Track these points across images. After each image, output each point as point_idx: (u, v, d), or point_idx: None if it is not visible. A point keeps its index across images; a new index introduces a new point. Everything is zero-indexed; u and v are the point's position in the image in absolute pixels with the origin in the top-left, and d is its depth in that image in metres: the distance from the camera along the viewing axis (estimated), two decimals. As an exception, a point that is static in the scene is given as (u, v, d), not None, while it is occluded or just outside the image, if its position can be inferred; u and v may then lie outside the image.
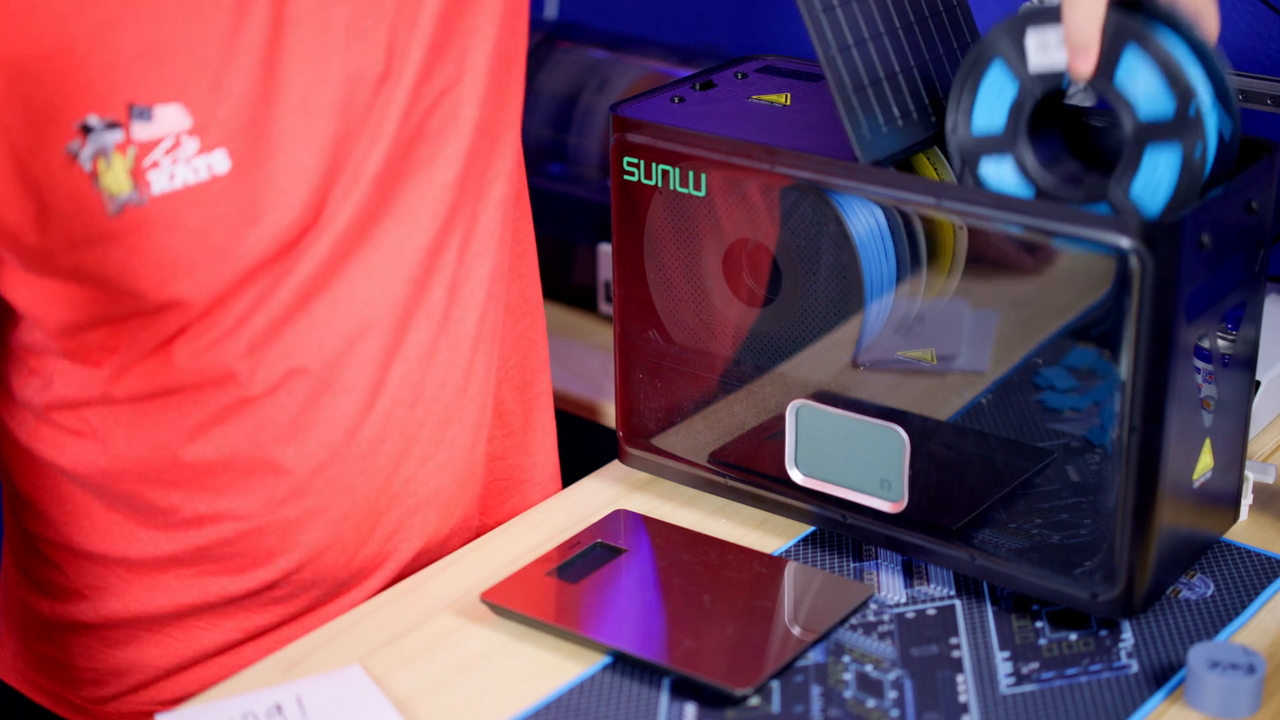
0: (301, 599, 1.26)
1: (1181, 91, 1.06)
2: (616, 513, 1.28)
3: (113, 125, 1.07)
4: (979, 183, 1.14)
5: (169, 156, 1.08)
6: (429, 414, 1.25)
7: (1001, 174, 1.13)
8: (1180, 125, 1.07)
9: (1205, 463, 1.15)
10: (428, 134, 1.19)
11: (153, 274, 1.11)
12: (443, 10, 1.18)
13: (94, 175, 1.08)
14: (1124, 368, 1.07)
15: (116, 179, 1.08)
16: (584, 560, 1.21)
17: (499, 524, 1.34)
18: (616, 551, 1.22)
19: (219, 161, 1.10)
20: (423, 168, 1.19)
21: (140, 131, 1.08)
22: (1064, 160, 1.14)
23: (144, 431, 1.21)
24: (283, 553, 1.23)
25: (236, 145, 1.10)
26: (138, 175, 1.08)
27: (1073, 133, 1.17)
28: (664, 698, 1.09)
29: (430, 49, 1.17)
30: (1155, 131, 1.08)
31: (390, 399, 1.22)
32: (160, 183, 1.09)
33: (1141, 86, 1.07)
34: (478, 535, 1.34)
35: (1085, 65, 1.08)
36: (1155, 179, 1.08)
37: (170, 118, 1.08)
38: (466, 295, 1.25)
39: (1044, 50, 1.09)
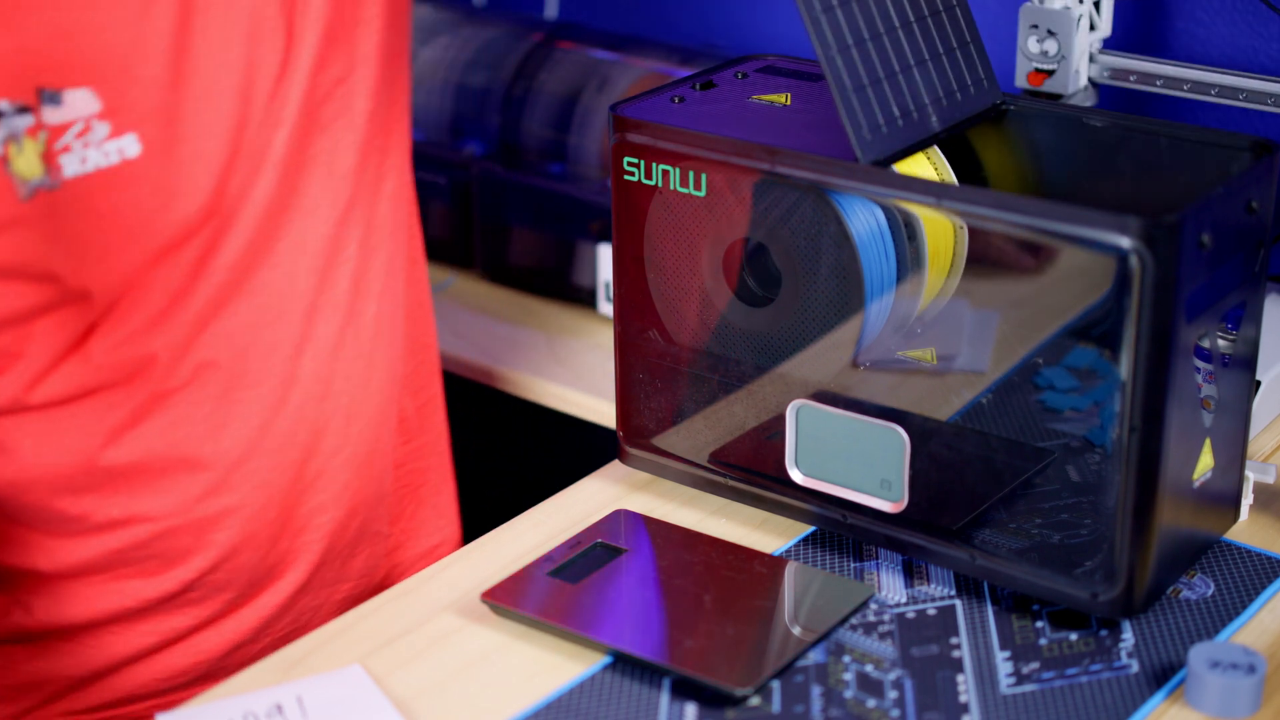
0: (215, 601, 1.25)
1: None
2: (616, 513, 1.28)
3: (23, 110, 1.07)
4: None
5: (80, 140, 1.09)
6: (336, 407, 1.26)
7: None
8: None
9: (1205, 463, 1.15)
10: (324, 124, 1.20)
11: (65, 259, 1.11)
12: (333, 0, 1.20)
13: (4, 160, 1.08)
14: (1124, 368, 1.07)
15: (28, 163, 1.08)
16: (584, 560, 1.21)
17: (408, 535, 1.35)
18: (617, 551, 1.22)
19: (129, 145, 1.10)
20: (322, 158, 1.21)
21: (50, 115, 1.08)
22: None
23: (57, 438, 1.19)
24: (198, 552, 1.23)
25: (147, 130, 1.11)
26: (49, 159, 1.08)
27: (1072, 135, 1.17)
28: (664, 698, 1.09)
29: (323, 39, 1.19)
30: None
31: (301, 392, 1.23)
32: (72, 166, 1.09)
33: None
34: (391, 553, 1.34)
35: None
36: None
37: (80, 101, 1.08)
38: (366, 288, 1.26)
39: None
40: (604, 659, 1.13)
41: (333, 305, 1.24)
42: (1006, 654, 1.12)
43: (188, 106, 1.13)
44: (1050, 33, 1.52)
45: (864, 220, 1.15)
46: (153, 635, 1.25)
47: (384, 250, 1.28)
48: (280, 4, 1.17)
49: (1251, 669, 1.06)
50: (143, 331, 1.16)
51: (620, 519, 1.27)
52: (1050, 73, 1.53)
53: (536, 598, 1.17)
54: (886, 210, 1.15)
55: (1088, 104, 1.55)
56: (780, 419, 1.23)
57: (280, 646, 1.21)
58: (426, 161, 1.89)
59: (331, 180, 1.22)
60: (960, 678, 1.10)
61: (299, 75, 1.18)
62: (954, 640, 1.14)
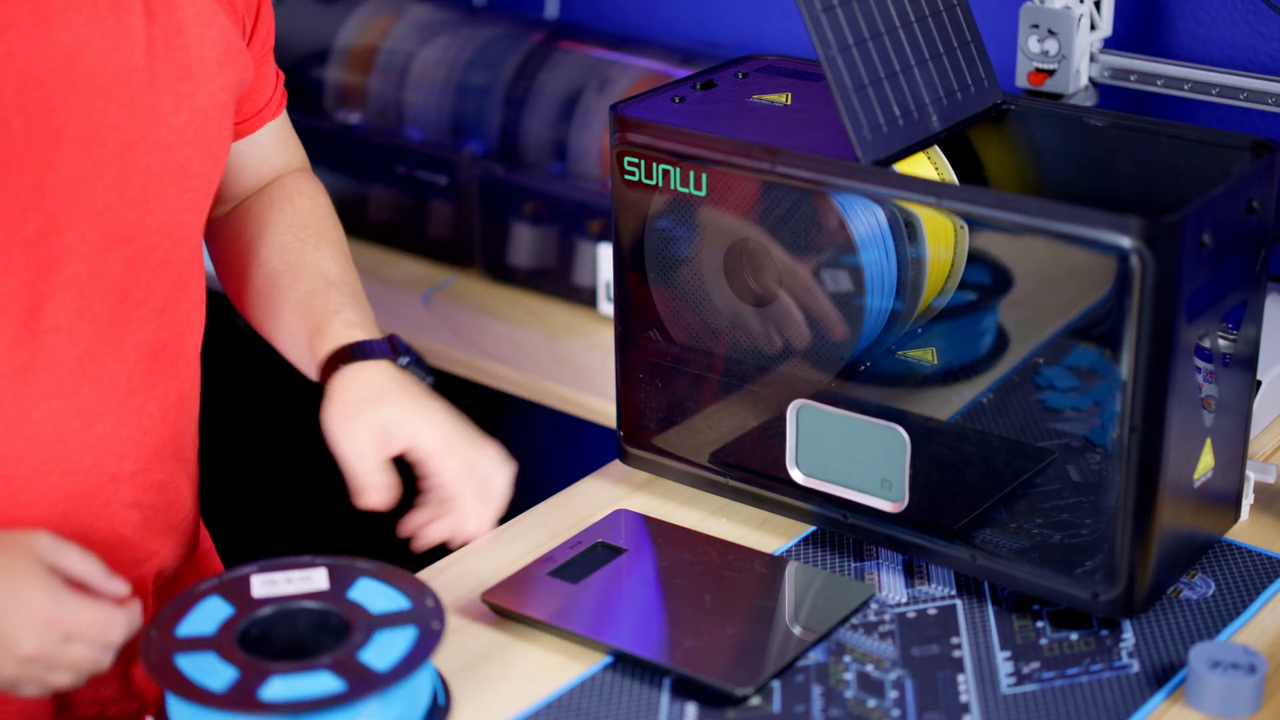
0: None
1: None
2: (617, 513, 1.28)
3: None
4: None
5: None
6: None
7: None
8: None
9: (1206, 462, 1.15)
10: None
11: None
12: None
13: None
14: (1125, 367, 1.07)
15: None
16: (584, 560, 1.21)
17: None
18: (617, 551, 1.22)
19: None
20: None
21: None
22: None
23: None
24: None
25: None
26: None
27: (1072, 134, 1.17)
28: (664, 697, 1.09)
29: None
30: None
31: None
32: None
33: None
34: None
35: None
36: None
37: None
38: None
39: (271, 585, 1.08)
40: (604, 659, 1.13)
41: None
42: (1007, 654, 1.12)
43: None
44: (1051, 32, 1.52)
45: (865, 220, 1.15)
46: None
47: None
48: None
49: (1252, 669, 1.06)
50: None
51: (620, 519, 1.27)
52: (1051, 72, 1.53)
53: (537, 598, 1.17)
54: (887, 210, 1.15)
55: (1088, 104, 1.55)
56: (780, 419, 1.23)
57: None
58: (426, 161, 1.89)
59: None
60: (961, 677, 1.10)
61: None
62: (954, 640, 1.13)
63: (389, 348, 1.22)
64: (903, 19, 1.20)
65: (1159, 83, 1.51)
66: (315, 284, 1.27)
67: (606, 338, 1.73)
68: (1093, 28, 1.53)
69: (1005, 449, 1.14)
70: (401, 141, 1.92)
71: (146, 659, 1.01)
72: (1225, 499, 1.20)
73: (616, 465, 1.36)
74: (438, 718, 1.06)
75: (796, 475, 1.24)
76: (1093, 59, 1.54)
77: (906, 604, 1.18)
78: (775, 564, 1.21)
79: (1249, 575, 1.19)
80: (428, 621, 1.04)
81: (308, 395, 1.89)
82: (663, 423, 1.30)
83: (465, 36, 1.94)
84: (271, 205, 1.33)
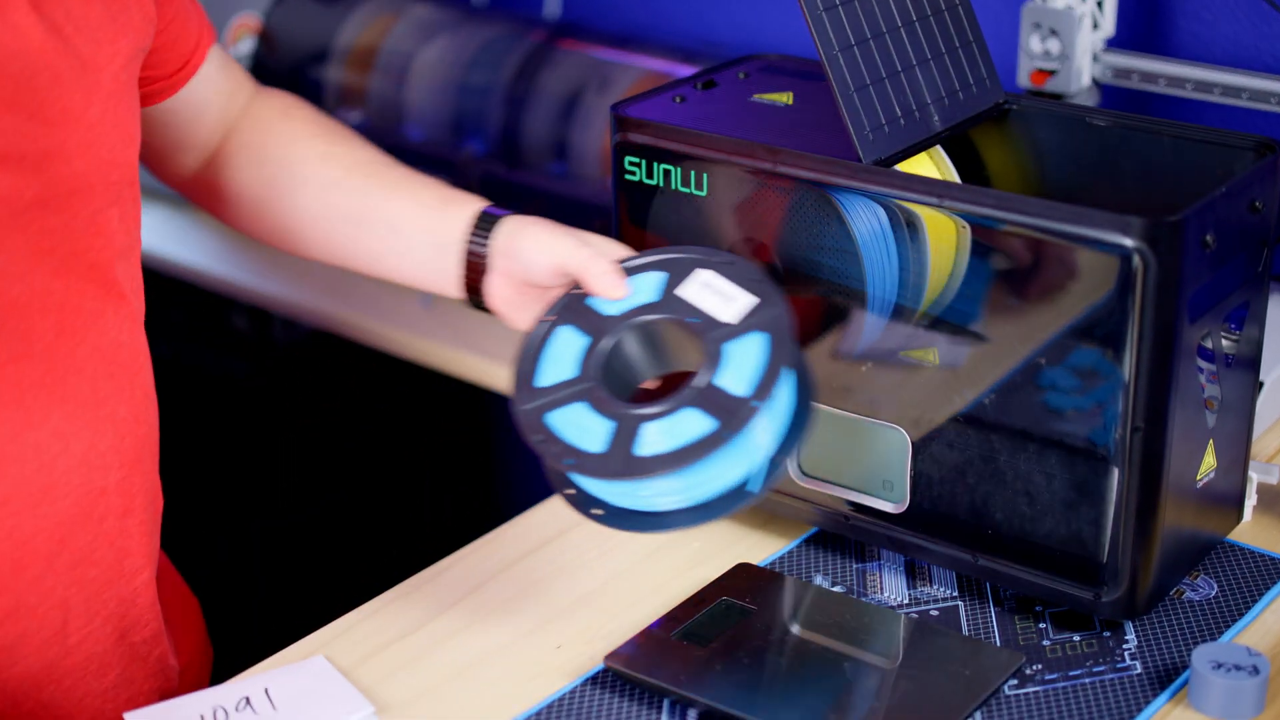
0: None
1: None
2: (738, 567, 1.21)
3: None
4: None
5: None
6: None
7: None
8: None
9: (1208, 463, 1.15)
10: None
11: None
12: None
13: None
14: (1127, 368, 1.07)
15: None
16: (710, 620, 1.15)
17: None
18: (745, 612, 1.16)
19: None
20: None
21: None
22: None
23: None
24: None
25: None
26: None
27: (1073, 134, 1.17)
28: (665, 699, 1.09)
29: None
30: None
31: None
32: None
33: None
34: None
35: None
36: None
37: None
38: None
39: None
40: (600, 665, 1.12)
41: None
42: (1009, 655, 1.12)
43: None
44: (1053, 32, 1.52)
45: (866, 220, 1.15)
46: None
47: None
48: None
49: (1255, 670, 1.06)
50: None
51: (742, 574, 1.21)
52: (1053, 72, 1.53)
53: (666, 664, 1.10)
54: (889, 210, 1.14)
55: (1090, 103, 1.55)
56: (782, 419, 1.23)
57: None
58: (427, 161, 1.88)
59: None
60: (962, 679, 1.09)
61: None
62: (956, 641, 1.13)
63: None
64: (904, 18, 1.19)
65: (1161, 82, 1.51)
66: (398, 174, 1.27)
67: (607, 338, 1.72)
68: (1095, 27, 1.53)
69: (1007, 450, 1.13)
70: (402, 141, 1.92)
71: (520, 420, 1.01)
72: (1228, 500, 1.20)
73: (617, 466, 1.36)
74: (804, 414, 1.03)
75: (797, 476, 1.24)
76: (1095, 59, 1.53)
77: (909, 605, 1.17)
78: (912, 627, 1.14)
79: (1252, 576, 1.19)
80: (777, 324, 1.02)
81: (307, 396, 1.88)
82: (663, 423, 1.30)
83: (465, 36, 1.93)
84: (274, 126, 1.30)
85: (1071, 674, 1.10)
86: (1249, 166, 1.14)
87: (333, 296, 1.84)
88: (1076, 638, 1.13)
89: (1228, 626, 1.14)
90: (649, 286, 1.11)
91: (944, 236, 1.13)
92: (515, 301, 1.23)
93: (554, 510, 1.31)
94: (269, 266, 1.92)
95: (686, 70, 1.75)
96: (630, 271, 1.12)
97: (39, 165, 1.07)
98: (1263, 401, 1.35)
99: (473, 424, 2.10)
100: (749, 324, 1.02)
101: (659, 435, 0.98)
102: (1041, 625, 1.15)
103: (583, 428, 1.00)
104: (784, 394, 1.03)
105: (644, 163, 1.23)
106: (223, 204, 1.32)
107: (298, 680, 1.11)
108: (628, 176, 1.24)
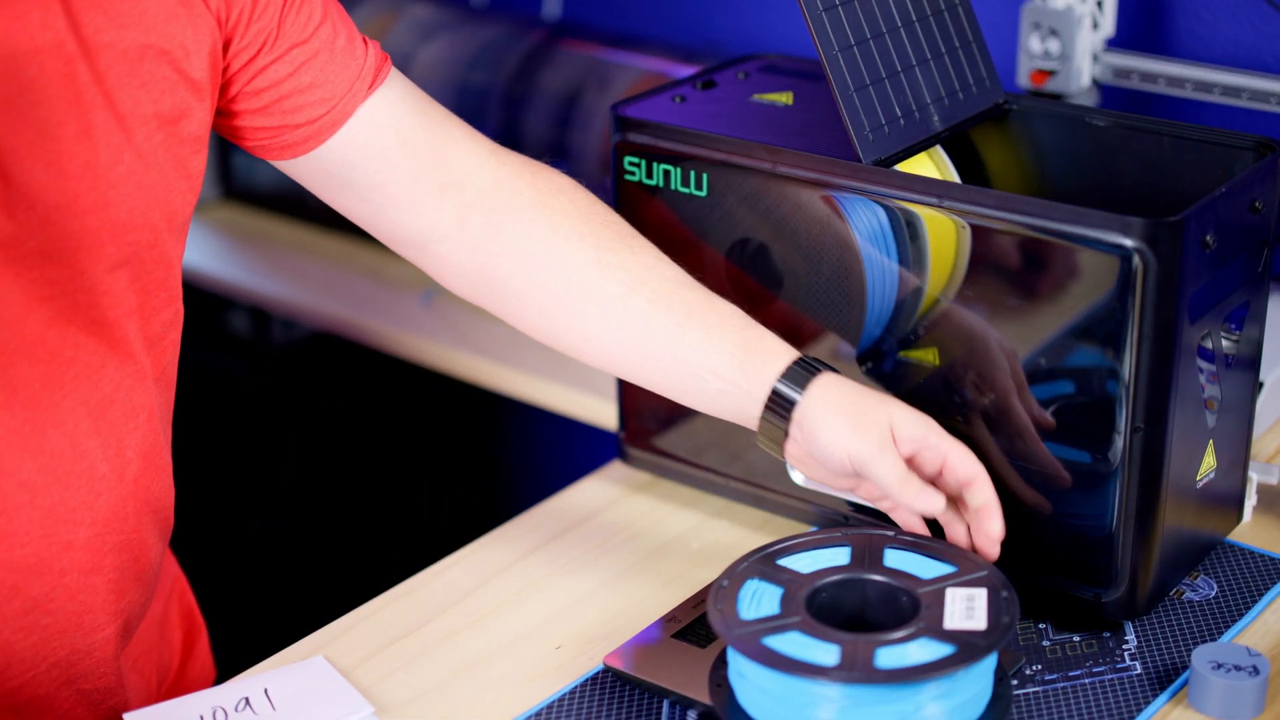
0: None
1: None
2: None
3: None
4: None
5: None
6: None
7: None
8: None
9: (1208, 463, 1.15)
10: None
11: None
12: None
13: None
14: (1127, 368, 1.07)
15: None
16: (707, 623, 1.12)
17: None
18: None
19: None
20: None
21: None
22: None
23: None
24: None
25: None
26: None
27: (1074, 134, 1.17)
28: (664, 699, 1.09)
29: None
30: None
31: None
32: None
33: None
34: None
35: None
36: None
37: None
38: None
39: None
40: (600, 665, 1.12)
41: None
42: (1009, 655, 1.12)
43: None
44: (1053, 32, 1.52)
45: (866, 220, 1.15)
46: None
47: None
48: None
49: (1255, 671, 1.06)
50: None
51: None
52: (1053, 72, 1.53)
53: (666, 664, 1.10)
54: (888, 210, 1.14)
55: (1090, 103, 1.55)
56: (781, 419, 1.23)
57: None
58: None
59: None
60: (962, 679, 1.09)
61: None
62: (956, 642, 1.13)
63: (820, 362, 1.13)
64: (904, 18, 1.19)
65: (1161, 82, 1.51)
66: (686, 299, 1.15)
67: (607, 338, 1.72)
68: (1095, 27, 1.53)
69: (1007, 449, 1.13)
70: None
71: (735, 645, 0.99)
72: (1228, 500, 1.20)
73: (616, 465, 1.36)
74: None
75: (797, 477, 1.24)
76: (1095, 59, 1.53)
77: (908, 605, 1.17)
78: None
79: (1252, 576, 1.19)
80: (992, 583, 1.03)
81: (306, 396, 1.88)
82: (663, 423, 1.30)
83: (465, 36, 1.93)
84: (531, 219, 1.18)
85: (1071, 674, 1.10)
86: (1249, 166, 1.14)
87: (332, 296, 1.84)
88: (1076, 638, 1.13)
89: (1228, 627, 1.14)
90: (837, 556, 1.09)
91: (944, 236, 1.13)
92: (808, 464, 1.14)
93: (553, 510, 1.31)
94: (268, 267, 1.92)
95: (686, 70, 1.75)
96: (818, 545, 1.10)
97: (47, 217, 1.04)
98: (1263, 401, 1.35)
99: (473, 424, 2.10)
100: (965, 580, 1.04)
101: (891, 656, 0.98)
102: (1041, 625, 1.14)
103: (807, 647, 1.00)
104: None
105: (644, 163, 1.23)
106: (487, 292, 1.21)
107: (297, 681, 1.11)
108: (627, 176, 1.24)
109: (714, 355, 1.13)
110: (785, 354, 1.12)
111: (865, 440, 1.09)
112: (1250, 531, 1.24)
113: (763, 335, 1.14)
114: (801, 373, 1.11)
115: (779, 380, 1.11)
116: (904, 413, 1.10)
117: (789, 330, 1.20)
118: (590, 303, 1.16)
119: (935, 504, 1.09)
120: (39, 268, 1.05)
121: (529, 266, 1.17)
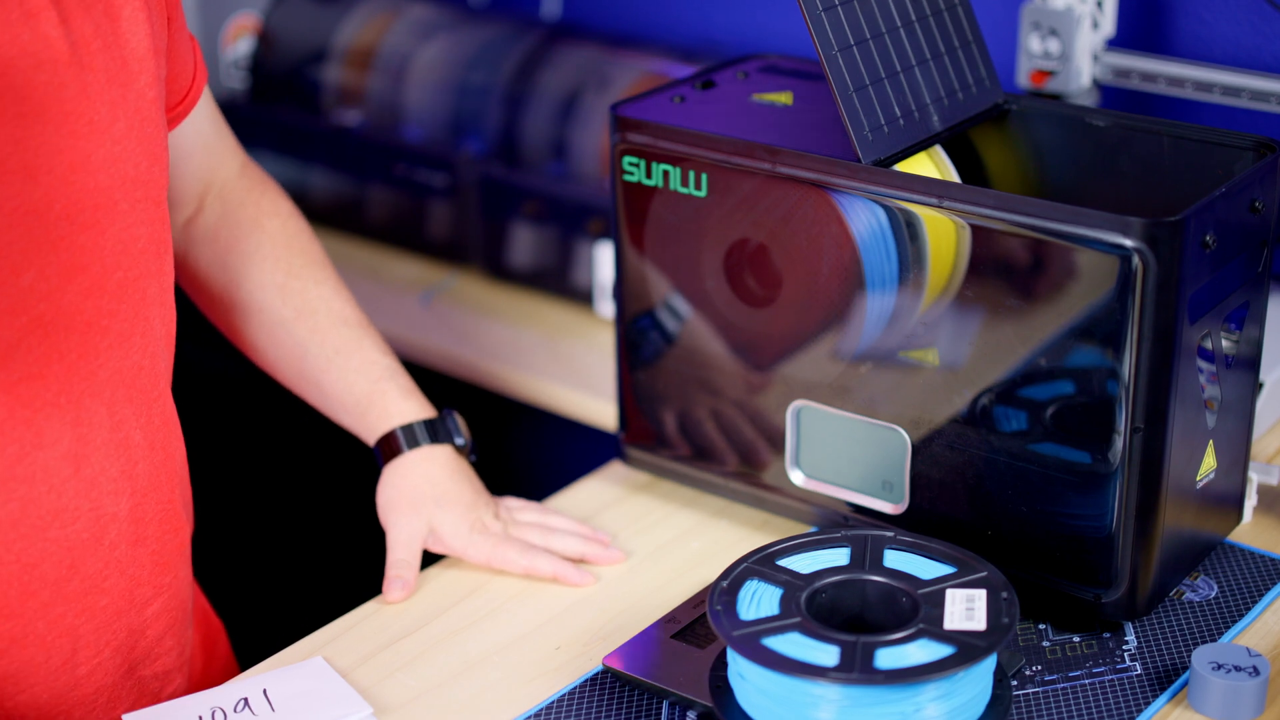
0: None
1: None
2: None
3: None
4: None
5: None
6: None
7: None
8: None
9: (1208, 464, 1.15)
10: None
11: None
12: None
13: None
14: (1127, 368, 1.07)
15: None
16: (706, 624, 1.14)
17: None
18: None
19: None
20: None
21: None
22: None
23: None
24: None
25: None
26: None
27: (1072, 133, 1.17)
28: (664, 699, 1.09)
29: None
30: None
31: None
32: None
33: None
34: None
35: None
36: None
37: None
38: None
39: None
40: (599, 665, 1.12)
41: None
42: (1009, 656, 1.12)
43: None
44: (1053, 32, 1.52)
45: (865, 220, 1.15)
46: None
47: None
48: None
49: (1255, 671, 1.06)
50: None
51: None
52: (1053, 72, 1.53)
53: (665, 664, 1.10)
54: (888, 210, 1.14)
55: (1090, 103, 1.55)
56: (781, 420, 1.23)
57: None
58: (425, 161, 1.88)
59: None
60: (962, 680, 1.09)
61: None
62: (956, 642, 1.13)
63: (445, 427, 1.30)
64: (903, 18, 1.19)
65: (1161, 82, 1.51)
66: (341, 337, 1.29)
67: (606, 338, 1.72)
68: (1095, 27, 1.53)
69: (1007, 450, 1.13)
70: (400, 141, 1.92)
71: (737, 647, 1.00)
72: (1228, 500, 1.20)
73: (616, 465, 1.36)
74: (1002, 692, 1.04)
75: (797, 477, 1.24)
76: (1095, 59, 1.53)
77: (908, 606, 1.17)
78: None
79: (1252, 577, 1.19)
80: (992, 584, 1.03)
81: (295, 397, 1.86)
82: (663, 423, 1.30)
83: (464, 36, 1.93)
84: (244, 234, 1.29)
85: (1071, 675, 1.10)
86: (1249, 166, 1.14)
87: (332, 296, 1.84)
88: (1076, 639, 1.13)
89: (1228, 627, 1.14)
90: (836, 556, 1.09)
91: (944, 236, 1.13)
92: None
93: (557, 509, 1.31)
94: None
95: (686, 70, 1.75)
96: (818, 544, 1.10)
97: (66, 179, 1.05)
98: (1263, 402, 1.35)
99: (472, 424, 2.10)
100: (962, 582, 1.04)
101: (891, 657, 0.98)
102: (1041, 626, 1.14)
103: (808, 649, 1.00)
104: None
105: (643, 163, 1.23)
106: (186, 279, 1.32)
107: (296, 681, 1.11)
108: (627, 177, 1.24)
109: (346, 396, 1.30)
110: (399, 417, 1.28)
111: (403, 518, 1.25)
112: (1250, 532, 1.24)
113: (386, 393, 1.29)
114: (402, 441, 1.28)
115: (375, 446, 1.29)
116: (453, 526, 1.25)
117: (789, 330, 1.20)
118: (266, 320, 1.30)
119: (402, 594, 1.22)
120: (69, 235, 1.07)
121: (225, 275, 1.30)
